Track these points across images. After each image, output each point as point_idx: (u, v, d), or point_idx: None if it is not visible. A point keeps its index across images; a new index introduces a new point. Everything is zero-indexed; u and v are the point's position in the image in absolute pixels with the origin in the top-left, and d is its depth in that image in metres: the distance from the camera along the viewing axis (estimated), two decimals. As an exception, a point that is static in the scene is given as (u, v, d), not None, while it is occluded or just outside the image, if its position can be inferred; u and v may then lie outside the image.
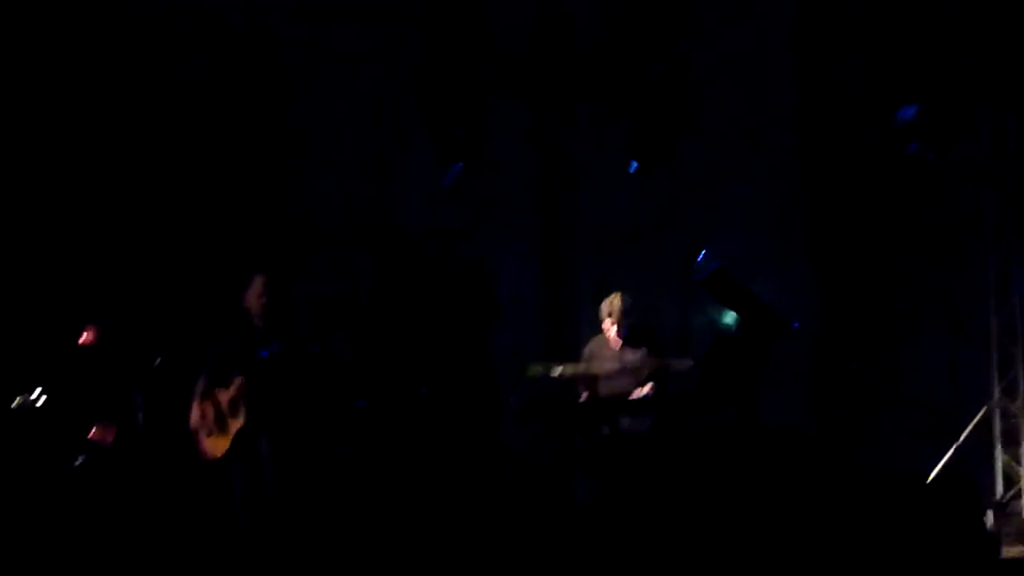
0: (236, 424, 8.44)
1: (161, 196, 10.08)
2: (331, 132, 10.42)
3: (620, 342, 9.27)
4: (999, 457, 9.82)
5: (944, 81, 9.84)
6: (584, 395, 9.24)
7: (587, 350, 9.44)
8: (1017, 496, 9.66)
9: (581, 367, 9.23)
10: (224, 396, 8.50)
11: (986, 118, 9.93)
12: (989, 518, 9.02)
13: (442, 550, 7.50)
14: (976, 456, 9.69)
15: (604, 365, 9.21)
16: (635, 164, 10.22)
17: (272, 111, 10.31)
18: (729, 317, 8.63)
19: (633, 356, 9.24)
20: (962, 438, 9.59)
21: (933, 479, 9.04)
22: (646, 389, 9.05)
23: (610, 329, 9.28)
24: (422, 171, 10.31)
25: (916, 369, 10.12)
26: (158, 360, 8.59)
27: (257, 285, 8.63)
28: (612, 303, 9.29)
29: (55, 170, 9.96)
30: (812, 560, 6.72)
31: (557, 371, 9.13)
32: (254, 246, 9.94)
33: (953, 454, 9.50)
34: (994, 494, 9.70)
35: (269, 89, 10.29)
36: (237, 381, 8.46)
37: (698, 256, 8.54)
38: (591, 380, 9.22)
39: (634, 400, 9.00)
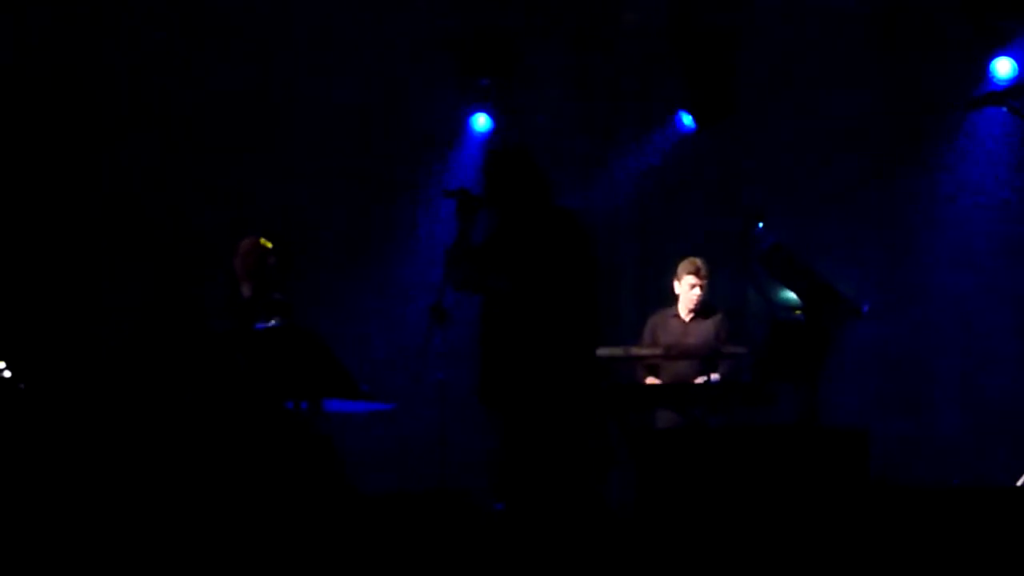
0: None
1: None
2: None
3: (691, 316, 8.43)
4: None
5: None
6: (648, 379, 8.28)
7: (650, 324, 8.57)
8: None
9: (625, 349, 8.00)
10: None
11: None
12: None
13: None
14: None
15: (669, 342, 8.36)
16: (690, 121, 9.47)
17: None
18: (790, 298, 7.65)
19: (698, 335, 8.41)
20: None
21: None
22: (716, 375, 8.12)
23: (689, 293, 8.38)
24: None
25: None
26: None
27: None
28: (696, 263, 8.39)
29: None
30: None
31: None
32: None
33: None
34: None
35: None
36: None
37: (755, 228, 7.78)
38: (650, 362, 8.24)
39: (697, 388, 7.98)
